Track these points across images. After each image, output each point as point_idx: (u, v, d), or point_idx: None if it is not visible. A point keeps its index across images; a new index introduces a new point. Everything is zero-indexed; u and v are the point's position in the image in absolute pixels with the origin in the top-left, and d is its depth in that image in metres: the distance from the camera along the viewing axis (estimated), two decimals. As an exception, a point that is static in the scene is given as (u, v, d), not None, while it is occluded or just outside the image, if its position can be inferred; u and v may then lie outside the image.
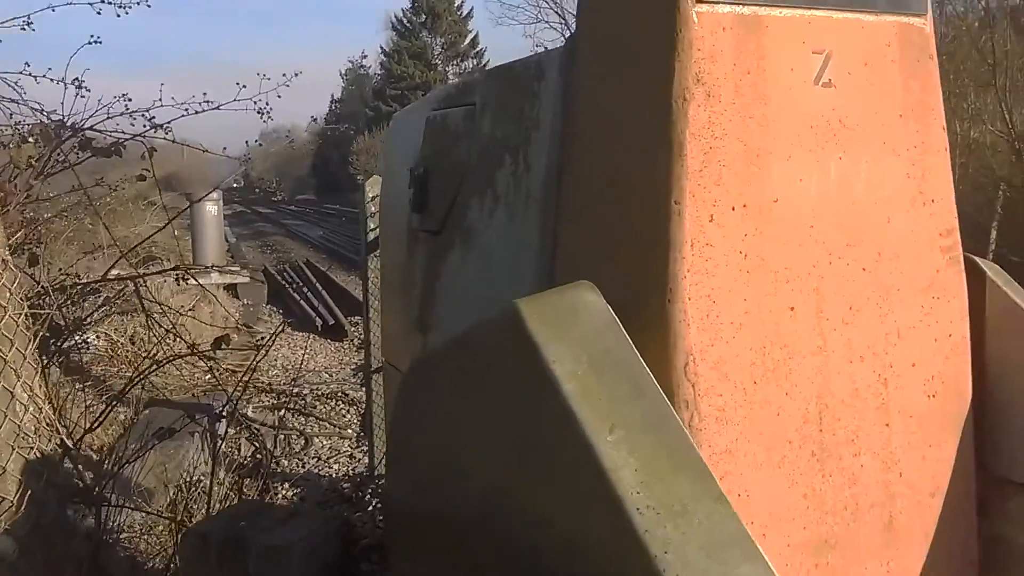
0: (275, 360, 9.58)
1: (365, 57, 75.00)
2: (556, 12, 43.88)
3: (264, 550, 2.36)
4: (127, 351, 6.70)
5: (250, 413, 8.21)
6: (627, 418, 1.33)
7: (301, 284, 17.22)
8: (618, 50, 1.63)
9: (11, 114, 3.16)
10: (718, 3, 1.52)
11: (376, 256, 6.39)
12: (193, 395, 7.64)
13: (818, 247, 1.59)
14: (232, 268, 15.56)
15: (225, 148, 4.28)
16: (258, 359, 4.25)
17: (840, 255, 1.61)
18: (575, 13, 1.86)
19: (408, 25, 66.12)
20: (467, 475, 1.63)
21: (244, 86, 3.87)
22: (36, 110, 3.22)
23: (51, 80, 3.33)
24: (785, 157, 1.57)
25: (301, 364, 9.13)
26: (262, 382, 8.66)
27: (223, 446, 6.76)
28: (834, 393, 1.60)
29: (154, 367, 3.47)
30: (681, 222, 1.49)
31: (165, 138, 3.34)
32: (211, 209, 16.91)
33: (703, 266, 1.50)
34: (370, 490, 6.00)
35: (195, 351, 3.39)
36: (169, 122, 3.40)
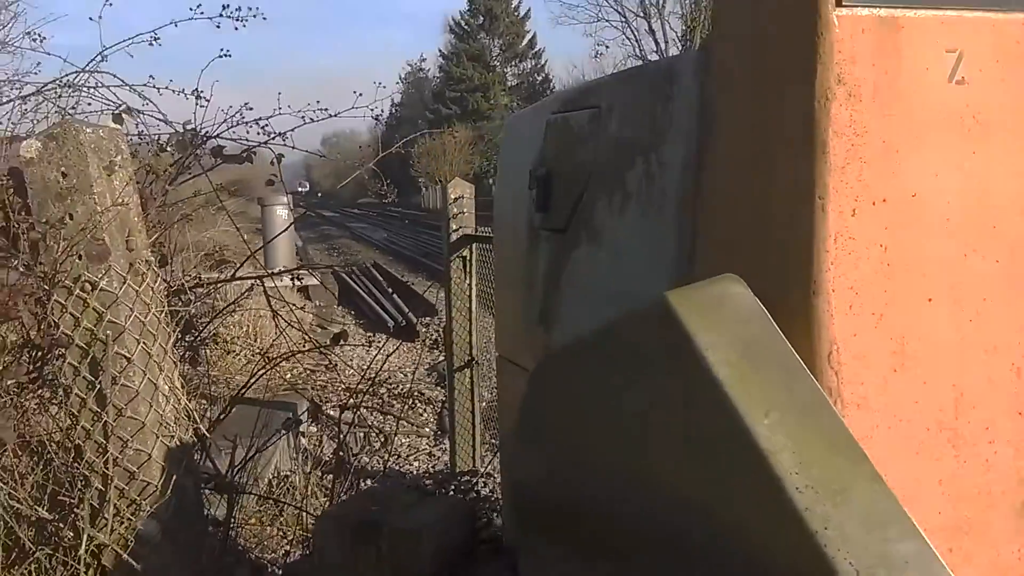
0: (351, 360, 9.77)
1: (424, 60, 75.76)
2: (617, 11, 43.89)
3: (397, 533, 2.48)
4: (247, 347, 6.95)
5: (330, 412, 8.41)
6: (781, 402, 1.40)
7: (370, 285, 17.50)
8: (758, 52, 1.70)
9: (137, 123, 3.35)
10: (857, 6, 1.58)
11: (459, 256, 6.52)
12: (274, 394, 7.84)
13: (953, 240, 1.64)
14: (303, 270, 15.87)
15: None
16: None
17: (975, 248, 1.66)
18: (711, 17, 1.93)
19: (466, 27, 66.60)
20: (614, 461, 1.72)
21: (360, 94, 4.01)
22: (161, 120, 3.42)
23: (172, 91, 3.53)
24: (921, 153, 1.62)
25: (374, 363, 9.34)
26: (340, 381, 8.84)
27: (307, 443, 6.96)
28: (969, 382, 1.65)
29: (276, 362, 3.62)
30: (825, 217, 1.56)
31: (286, 145, 3.51)
32: (281, 213, 17.22)
33: (846, 259, 1.57)
34: (453, 486, 6.12)
35: (318, 346, 3.53)
36: (292, 129, 3.55)
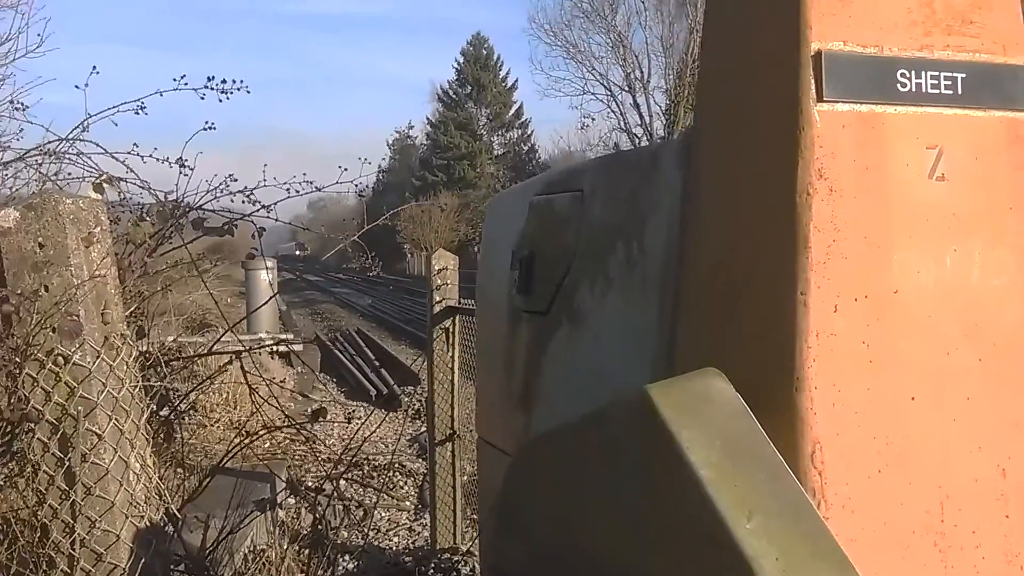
0: (331, 429, 9.66)
1: (412, 128, 76.67)
2: (602, 84, 44.68)
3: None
4: (225, 415, 6.87)
5: (309, 483, 8.28)
6: (764, 505, 1.37)
7: (353, 353, 17.41)
8: (739, 145, 1.70)
9: (119, 192, 3.33)
10: (838, 101, 1.59)
11: (442, 328, 6.49)
12: (253, 465, 7.72)
13: (936, 337, 1.63)
14: (284, 336, 15.80)
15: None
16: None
17: (957, 345, 1.64)
18: (693, 108, 1.94)
19: (454, 96, 67.67)
20: (595, 552, 1.67)
21: (345, 168, 4.02)
22: (144, 188, 3.40)
23: (156, 159, 3.52)
24: (903, 249, 1.62)
25: (357, 433, 9.22)
26: (321, 452, 8.73)
27: (285, 516, 6.82)
28: (954, 484, 1.62)
29: (253, 437, 3.56)
30: (807, 312, 1.55)
31: (270, 217, 3.49)
32: (265, 277, 17.21)
33: (828, 356, 1.55)
34: (433, 564, 6.00)
35: (293, 423, 3.48)
36: (276, 202, 3.55)
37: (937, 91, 1.67)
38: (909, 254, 1.62)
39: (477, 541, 6.81)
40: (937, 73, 1.67)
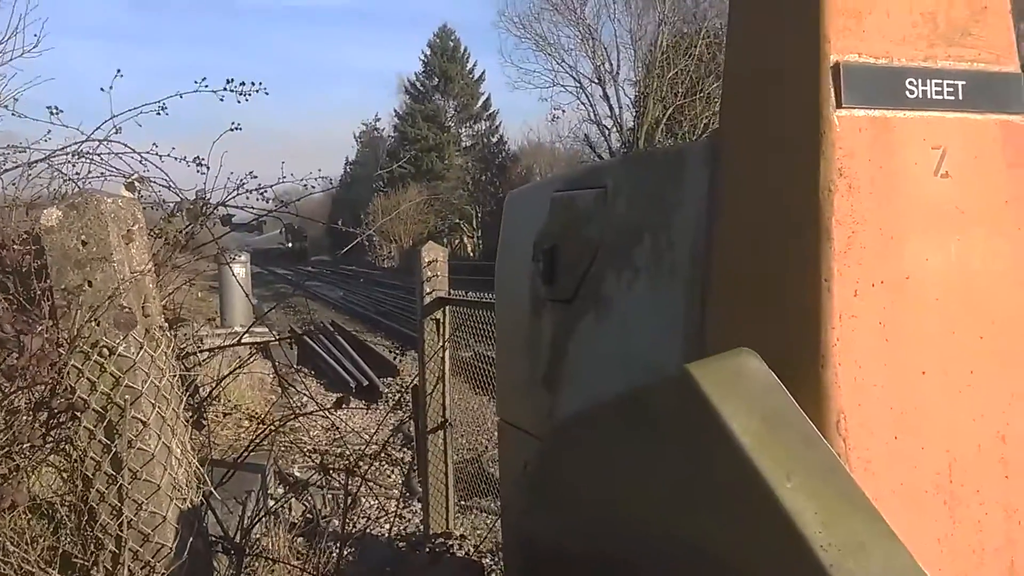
0: (315, 421, 9.77)
1: (379, 120, 76.41)
2: (572, 76, 44.85)
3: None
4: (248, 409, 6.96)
5: (296, 473, 8.39)
6: (802, 466, 1.54)
7: (330, 345, 17.44)
8: (765, 146, 1.88)
9: (146, 191, 3.44)
10: (854, 107, 1.77)
11: (432, 319, 6.63)
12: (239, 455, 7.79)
13: (943, 318, 1.82)
14: (259, 330, 15.82)
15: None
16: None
17: (961, 325, 1.83)
18: (718, 112, 2.11)
19: (421, 88, 67.51)
20: (635, 519, 1.84)
21: (320, 169, 4.13)
22: (166, 186, 3.52)
23: (174, 159, 3.64)
24: (913, 239, 1.80)
25: (342, 424, 9.32)
26: (305, 442, 8.84)
27: (276, 506, 6.94)
28: (960, 449, 1.81)
29: (279, 425, 3.68)
30: (831, 297, 1.72)
31: (290, 212, 3.61)
32: (239, 271, 17.18)
33: (850, 336, 1.73)
34: (428, 548, 6.15)
35: (322, 409, 3.61)
36: (295, 201, 3.66)
37: (940, 97, 1.86)
38: (919, 243, 1.80)
39: (468, 525, 6.99)
40: (940, 81, 1.86)
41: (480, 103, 66.74)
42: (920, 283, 1.80)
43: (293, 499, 7.55)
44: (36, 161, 3.42)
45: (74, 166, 3.48)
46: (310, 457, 8.57)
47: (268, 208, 3.68)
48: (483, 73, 66.26)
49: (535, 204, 2.73)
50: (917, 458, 1.77)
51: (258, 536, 5.14)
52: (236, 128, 3.83)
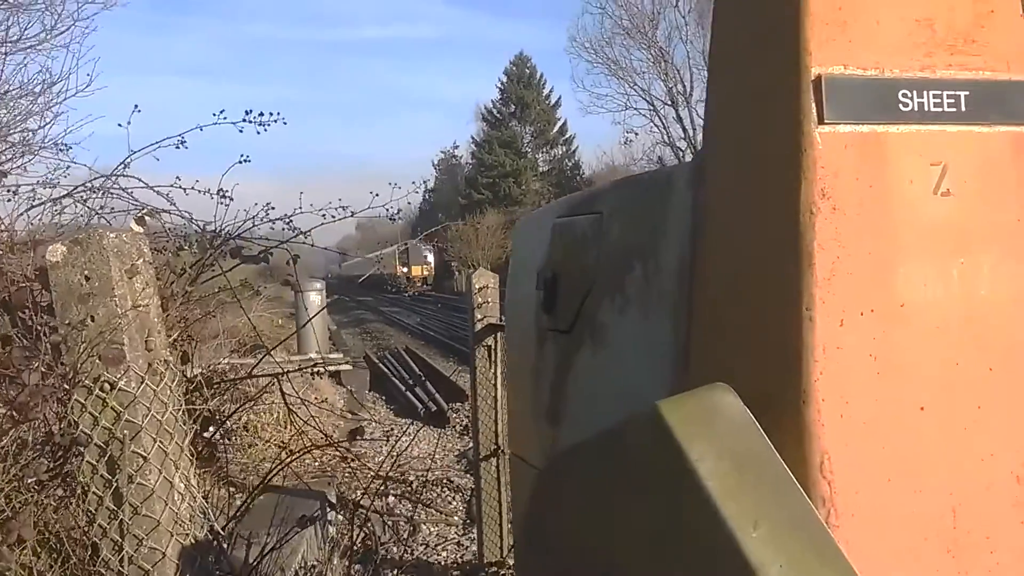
0: (380, 447, 9.80)
1: (457, 147, 77.28)
2: (645, 99, 44.68)
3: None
4: (272, 439, 7.03)
5: (358, 500, 8.38)
6: (771, 515, 1.42)
7: (402, 370, 17.55)
8: (745, 166, 1.76)
9: (163, 223, 3.47)
10: (839, 123, 1.64)
11: (484, 345, 6.57)
12: (303, 482, 7.85)
13: (944, 348, 1.66)
14: (334, 356, 16.02)
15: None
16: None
17: (967, 355, 1.67)
18: (702, 130, 2.00)
19: (498, 115, 68.10)
20: (613, 566, 1.73)
21: (377, 194, 4.15)
22: (186, 219, 3.54)
23: (198, 191, 3.66)
24: (909, 263, 1.65)
25: (406, 450, 9.30)
26: (369, 468, 8.84)
27: (335, 533, 6.93)
28: (967, 490, 1.65)
29: (294, 456, 3.67)
30: (812, 327, 1.59)
31: (306, 243, 3.60)
32: (315, 299, 17.45)
33: (835, 369, 1.59)
34: (481, 577, 6.06)
35: (333, 442, 3.57)
36: (310, 230, 3.66)
37: (940, 109, 1.71)
38: (915, 268, 1.66)
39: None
40: (940, 92, 1.71)
41: (556, 128, 66.94)
42: (917, 311, 1.65)
43: (354, 526, 7.53)
44: (61, 197, 3.48)
45: (97, 201, 3.54)
46: (371, 483, 8.56)
47: (281, 238, 3.66)
48: (559, 99, 66.55)
49: (541, 231, 2.64)
50: (915, 502, 1.62)
51: (303, 565, 5.12)
52: (245, 160, 3.85)
